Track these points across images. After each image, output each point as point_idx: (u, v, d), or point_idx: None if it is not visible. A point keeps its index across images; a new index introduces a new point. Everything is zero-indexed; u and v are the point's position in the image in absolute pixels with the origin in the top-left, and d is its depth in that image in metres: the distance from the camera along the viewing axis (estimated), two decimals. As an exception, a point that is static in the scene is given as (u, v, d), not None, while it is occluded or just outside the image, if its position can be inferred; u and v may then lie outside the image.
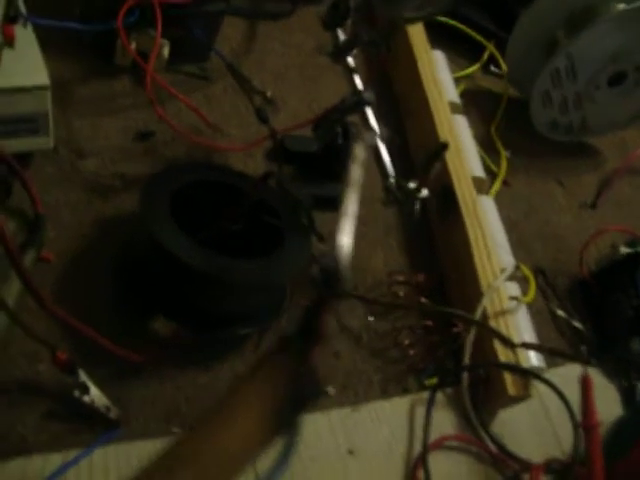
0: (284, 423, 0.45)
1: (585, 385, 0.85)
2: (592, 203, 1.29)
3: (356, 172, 0.52)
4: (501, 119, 1.31)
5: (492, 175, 1.21)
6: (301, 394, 0.46)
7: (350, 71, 0.92)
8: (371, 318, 0.93)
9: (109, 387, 0.74)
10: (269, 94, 1.02)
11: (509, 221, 1.14)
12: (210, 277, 0.75)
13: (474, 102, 1.31)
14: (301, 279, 0.92)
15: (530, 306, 0.99)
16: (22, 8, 0.83)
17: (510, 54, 1.33)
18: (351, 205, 0.50)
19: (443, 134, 1.08)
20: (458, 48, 1.39)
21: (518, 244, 1.12)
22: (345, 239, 0.50)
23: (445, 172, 1.03)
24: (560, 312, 1.07)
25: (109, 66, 1.01)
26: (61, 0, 0.98)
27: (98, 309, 0.79)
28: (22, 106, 0.81)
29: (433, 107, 1.12)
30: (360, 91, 0.90)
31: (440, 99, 1.14)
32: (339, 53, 0.92)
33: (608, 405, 1.00)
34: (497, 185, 1.19)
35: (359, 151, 0.53)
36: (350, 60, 0.92)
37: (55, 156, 0.90)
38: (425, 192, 0.86)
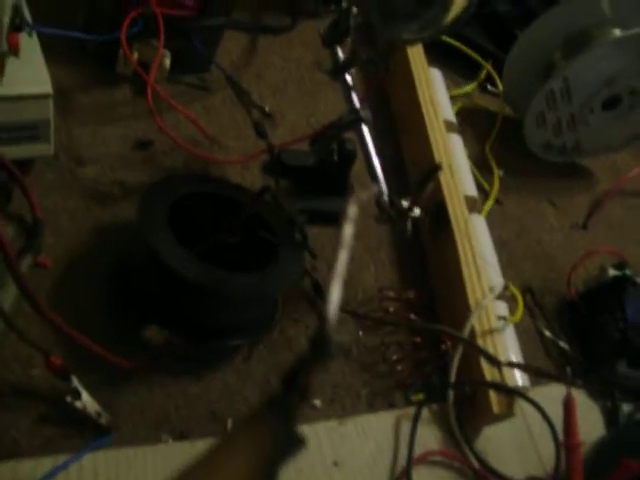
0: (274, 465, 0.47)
1: (568, 406, 0.87)
2: (583, 224, 1.31)
3: (348, 232, 0.52)
4: (496, 138, 1.33)
5: (485, 194, 1.22)
6: (284, 452, 0.48)
7: (348, 88, 0.93)
8: (361, 333, 0.95)
9: (100, 393, 0.75)
10: (267, 109, 1.03)
11: (500, 240, 1.16)
12: (204, 289, 0.77)
13: (470, 120, 1.33)
14: (293, 293, 0.93)
15: (517, 325, 1.00)
16: (27, 17, 0.84)
17: (507, 74, 1.35)
18: (341, 266, 0.50)
19: (438, 153, 1.09)
20: (455, 66, 1.41)
21: (508, 263, 1.13)
22: (333, 301, 0.48)
23: (438, 190, 1.05)
24: (547, 332, 1.08)
25: (111, 75, 1.03)
26: (65, 9, 1.00)
27: (92, 316, 0.81)
28: (25, 114, 0.82)
29: (429, 125, 1.13)
30: (357, 109, 0.91)
31: (436, 118, 1.15)
32: (337, 71, 0.94)
33: (591, 425, 1.02)
34: (489, 204, 1.20)
35: (352, 210, 0.53)
36: (348, 78, 0.93)
37: (55, 163, 0.91)
38: (417, 211, 0.87)
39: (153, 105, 0.93)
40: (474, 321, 0.94)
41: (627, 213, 1.39)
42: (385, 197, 0.89)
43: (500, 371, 0.91)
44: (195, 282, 0.75)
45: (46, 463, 0.70)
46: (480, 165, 1.26)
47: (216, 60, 1.09)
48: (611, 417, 1.04)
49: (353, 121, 0.91)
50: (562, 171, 1.38)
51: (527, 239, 1.22)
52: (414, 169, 1.14)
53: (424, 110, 1.15)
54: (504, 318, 0.96)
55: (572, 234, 1.28)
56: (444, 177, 1.06)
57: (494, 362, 0.91)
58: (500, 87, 1.41)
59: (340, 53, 0.94)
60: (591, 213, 1.34)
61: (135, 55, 0.99)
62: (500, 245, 1.12)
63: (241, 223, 0.85)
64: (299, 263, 0.87)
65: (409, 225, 0.88)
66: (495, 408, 0.88)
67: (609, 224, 1.35)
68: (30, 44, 0.85)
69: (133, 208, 0.82)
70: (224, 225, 0.85)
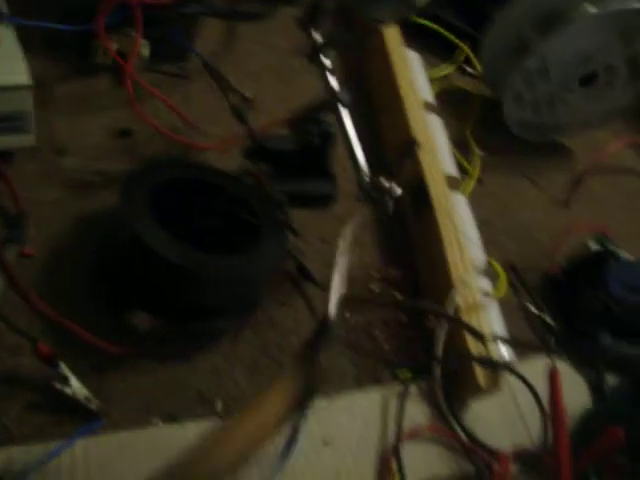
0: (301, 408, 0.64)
1: (553, 376, 0.88)
2: (564, 201, 1.32)
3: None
4: (475, 119, 1.33)
5: (466, 174, 1.23)
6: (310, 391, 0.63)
7: (326, 71, 0.93)
8: (346, 313, 0.95)
9: (89, 379, 0.76)
10: (247, 94, 1.04)
11: (482, 219, 1.16)
12: (188, 272, 0.77)
13: (449, 102, 1.34)
14: (278, 275, 0.94)
15: (501, 301, 1.01)
16: (4, 8, 0.85)
17: (484, 55, 1.35)
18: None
19: (417, 133, 1.10)
20: (433, 48, 1.41)
21: (490, 241, 1.14)
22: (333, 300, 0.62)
23: (419, 170, 1.05)
24: (531, 307, 1.09)
25: (90, 66, 1.03)
26: (42, 0, 1.00)
27: (79, 303, 0.81)
28: (4, 105, 0.83)
29: (407, 106, 1.14)
30: (336, 91, 0.92)
31: (414, 98, 1.16)
32: (315, 54, 0.94)
33: (576, 397, 1.02)
34: (471, 184, 1.21)
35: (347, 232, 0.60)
36: (326, 61, 0.93)
37: (36, 154, 0.92)
38: (398, 190, 0.88)
39: (132, 93, 0.93)
40: (458, 297, 0.95)
41: (608, 189, 1.40)
42: (366, 177, 0.90)
43: (485, 346, 0.92)
44: (179, 264, 0.76)
45: (37, 450, 0.70)
46: (461, 146, 1.26)
47: (195, 48, 1.09)
48: (596, 388, 1.05)
49: (332, 103, 0.92)
50: (542, 149, 1.39)
51: (509, 217, 1.23)
52: (393, 150, 1.15)
53: (402, 91, 1.16)
54: (487, 294, 0.97)
55: (553, 211, 1.29)
56: (424, 156, 1.06)
57: (479, 337, 0.92)
58: (478, 68, 1.41)
59: (317, 36, 0.95)
60: (572, 190, 1.34)
61: (114, 45, 0.99)
62: (482, 224, 1.13)
63: (223, 206, 0.85)
64: (282, 244, 0.88)
65: (390, 203, 0.88)
66: (481, 382, 0.89)
67: (590, 201, 1.36)
68: (7, 36, 0.85)
69: (115, 197, 0.83)
70: (206, 209, 0.85)
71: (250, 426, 0.61)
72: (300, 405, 0.63)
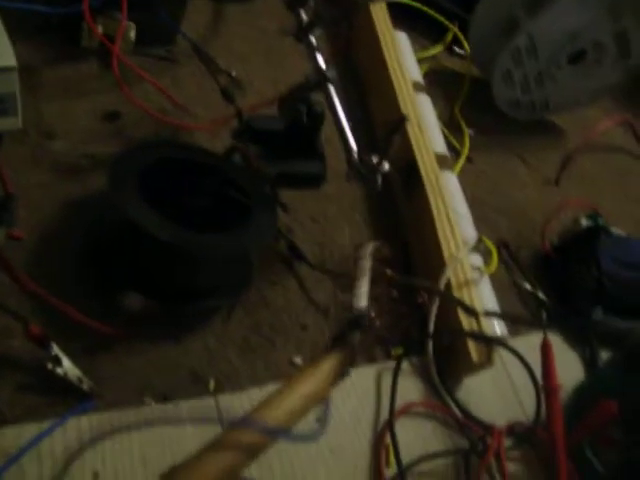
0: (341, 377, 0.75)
1: (545, 349, 0.88)
2: (555, 179, 1.32)
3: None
4: (465, 99, 1.33)
5: (456, 153, 1.23)
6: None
7: (313, 50, 0.93)
8: (338, 292, 0.95)
9: (81, 361, 0.75)
10: (234, 73, 1.03)
11: (473, 197, 1.16)
12: (179, 250, 0.77)
13: (438, 82, 1.34)
14: (269, 255, 0.94)
15: (494, 279, 1.02)
16: (-13, -9, 0.84)
17: (472, 35, 1.36)
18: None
19: (406, 112, 1.10)
20: (421, 29, 1.41)
21: (482, 219, 1.15)
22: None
23: (409, 148, 1.05)
24: (523, 283, 1.10)
25: (76, 50, 1.02)
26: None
27: (69, 285, 0.81)
28: (-10, 88, 0.82)
29: (396, 86, 1.14)
30: (323, 69, 0.92)
31: (403, 78, 1.16)
32: (302, 33, 0.94)
33: (571, 372, 1.03)
34: (461, 162, 1.21)
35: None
36: (313, 39, 0.93)
37: (24, 138, 0.91)
38: (386, 166, 0.88)
39: (120, 76, 0.93)
40: (449, 273, 0.95)
41: (598, 167, 1.41)
42: (354, 154, 0.90)
43: (478, 321, 0.92)
44: (170, 243, 0.76)
45: (30, 429, 0.70)
46: (450, 125, 1.27)
47: (182, 30, 1.09)
48: (590, 363, 1.06)
49: (319, 81, 0.91)
50: (532, 128, 1.39)
51: (500, 196, 1.23)
52: (383, 128, 1.15)
53: (391, 71, 1.16)
54: (479, 269, 0.97)
55: (544, 190, 1.29)
56: (414, 135, 1.07)
57: (471, 312, 0.92)
58: (467, 49, 1.41)
59: (304, 15, 0.95)
60: (562, 168, 1.35)
61: (100, 28, 0.99)
62: (473, 202, 1.13)
63: (212, 186, 0.85)
64: (272, 221, 0.88)
65: (379, 179, 0.88)
66: (474, 357, 0.89)
67: (581, 179, 1.36)
68: (-9, 19, 0.85)
69: (104, 179, 0.82)
70: (195, 189, 0.85)
71: (309, 385, 0.72)
72: (341, 375, 0.74)
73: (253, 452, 0.67)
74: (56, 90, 0.99)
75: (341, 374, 0.75)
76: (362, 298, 0.78)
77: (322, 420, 0.75)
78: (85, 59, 1.03)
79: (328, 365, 0.74)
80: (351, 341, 0.76)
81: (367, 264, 0.82)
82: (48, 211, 0.87)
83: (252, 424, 0.66)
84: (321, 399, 0.74)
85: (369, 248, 0.84)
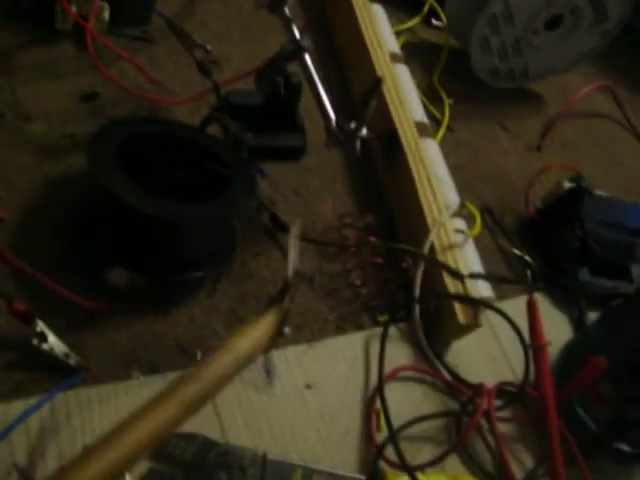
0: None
1: (531, 307, 0.88)
2: (537, 146, 1.32)
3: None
4: (443, 69, 1.33)
5: (436, 122, 1.23)
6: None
7: (287, 20, 0.93)
8: (323, 261, 0.95)
9: (67, 336, 0.75)
10: (209, 47, 1.03)
11: (455, 166, 1.16)
12: (160, 220, 0.77)
13: (415, 54, 1.34)
14: (252, 227, 0.94)
15: (478, 244, 1.02)
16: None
17: (449, 4, 1.35)
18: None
19: (385, 83, 1.10)
20: (398, 3, 1.41)
21: (465, 187, 1.15)
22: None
23: (388, 117, 1.05)
24: (508, 247, 1.10)
25: (50, 32, 1.02)
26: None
27: (53, 264, 0.80)
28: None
29: (373, 57, 1.14)
30: (297, 39, 0.91)
31: (380, 49, 1.16)
32: (275, 4, 0.94)
33: (559, 333, 1.04)
34: (441, 132, 1.21)
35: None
36: (287, 10, 0.93)
37: (2, 121, 0.91)
38: (365, 131, 0.88)
39: (95, 54, 0.93)
40: (433, 237, 0.95)
41: (579, 133, 1.41)
42: (332, 121, 0.90)
43: (463, 284, 0.92)
44: (151, 215, 0.75)
45: (17, 406, 0.70)
46: (429, 95, 1.27)
47: (156, 8, 1.08)
48: (578, 324, 1.06)
49: (295, 51, 0.91)
50: (512, 96, 1.39)
51: (482, 163, 1.23)
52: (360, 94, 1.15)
53: (368, 42, 1.16)
54: (462, 232, 0.97)
55: (526, 156, 1.30)
56: (392, 103, 1.07)
57: (456, 275, 0.92)
58: (444, 20, 1.41)
59: (276, -14, 0.94)
60: (544, 135, 1.35)
61: (73, 9, 0.98)
62: (455, 170, 1.13)
63: (191, 158, 0.85)
64: (253, 191, 0.87)
65: (358, 145, 0.88)
66: (460, 318, 0.89)
67: (562, 145, 1.37)
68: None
69: (84, 158, 0.82)
70: (174, 162, 0.85)
71: (249, 340, 0.73)
72: (278, 333, 0.75)
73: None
74: (31, 73, 0.98)
75: (277, 334, 0.77)
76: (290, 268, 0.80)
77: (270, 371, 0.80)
78: (60, 42, 1.03)
79: (266, 322, 0.76)
80: (284, 302, 0.78)
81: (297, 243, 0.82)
82: (29, 191, 0.86)
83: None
84: (259, 355, 0.76)
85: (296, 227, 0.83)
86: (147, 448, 0.64)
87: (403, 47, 1.28)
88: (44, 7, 1.00)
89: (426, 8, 1.42)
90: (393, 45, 1.21)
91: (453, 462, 0.85)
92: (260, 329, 0.75)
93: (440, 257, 0.94)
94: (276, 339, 0.77)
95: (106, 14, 1.02)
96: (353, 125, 0.87)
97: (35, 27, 1.02)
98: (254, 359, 0.75)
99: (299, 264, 0.81)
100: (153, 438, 0.64)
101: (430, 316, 0.93)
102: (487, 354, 0.97)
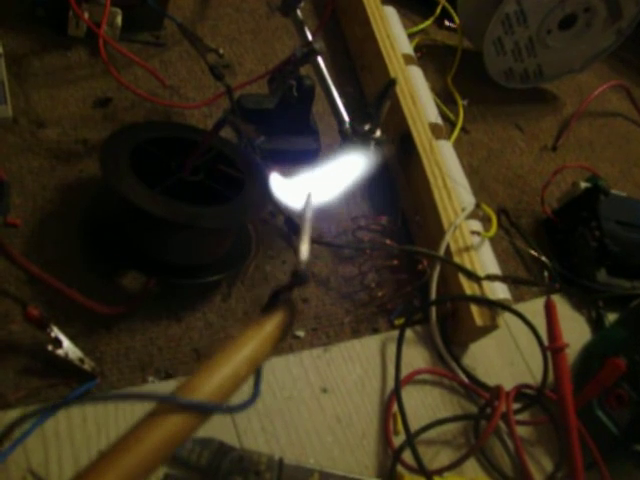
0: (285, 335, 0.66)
1: (549, 309, 0.87)
2: (552, 146, 1.32)
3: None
4: (457, 70, 1.33)
5: (451, 124, 1.23)
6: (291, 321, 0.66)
7: (299, 23, 0.93)
8: (337, 264, 0.95)
9: (82, 342, 0.75)
10: (222, 51, 1.02)
11: (470, 167, 1.16)
12: (174, 224, 0.76)
13: (429, 55, 1.34)
14: (267, 230, 0.94)
15: (495, 246, 1.01)
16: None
17: (461, 5, 1.35)
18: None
19: (399, 84, 1.09)
20: (410, 6, 1.41)
21: (480, 188, 1.14)
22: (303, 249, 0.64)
23: (402, 119, 1.05)
24: (525, 248, 1.09)
25: (63, 39, 1.02)
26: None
27: (68, 269, 0.80)
28: (-24, 75, 0.82)
29: (387, 59, 1.13)
30: (310, 42, 0.91)
31: (393, 51, 1.15)
32: (287, 6, 0.94)
33: (577, 335, 1.03)
34: (456, 133, 1.21)
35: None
36: (299, 12, 0.93)
37: (15, 127, 0.91)
38: (379, 132, 0.87)
39: (107, 59, 0.93)
40: (449, 239, 0.94)
41: (595, 132, 1.40)
42: (346, 125, 0.90)
43: (480, 286, 0.92)
44: (165, 217, 0.75)
45: (33, 411, 0.70)
46: (443, 97, 1.26)
47: (169, 13, 1.08)
48: (596, 325, 1.05)
49: (308, 54, 0.91)
50: (527, 96, 1.38)
51: (497, 164, 1.22)
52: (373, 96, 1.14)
53: (381, 45, 1.15)
54: (478, 233, 0.97)
55: (542, 156, 1.29)
56: (407, 106, 1.06)
57: (473, 277, 0.91)
58: (457, 21, 1.40)
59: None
60: (559, 135, 1.34)
61: (86, 15, 0.98)
62: (471, 171, 1.13)
63: (202, 160, 0.84)
64: (266, 193, 0.87)
65: (371, 146, 0.88)
66: (478, 321, 0.88)
67: (578, 144, 1.36)
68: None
69: (97, 163, 0.82)
70: (185, 164, 0.84)
71: (255, 342, 0.66)
72: (285, 333, 0.67)
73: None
74: (45, 79, 0.98)
75: (284, 333, 0.70)
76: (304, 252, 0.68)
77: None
78: (73, 48, 1.03)
79: (271, 323, 0.68)
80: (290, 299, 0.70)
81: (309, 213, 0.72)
82: (43, 197, 0.86)
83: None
84: (267, 357, 0.68)
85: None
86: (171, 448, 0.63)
87: (416, 49, 1.28)
88: (57, 14, 1.00)
89: (439, 9, 1.41)
90: (406, 47, 1.21)
91: (471, 466, 0.85)
92: (265, 332, 0.67)
93: (456, 259, 0.93)
94: (284, 339, 0.73)
95: (119, 20, 1.02)
96: (367, 127, 0.87)
97: (48, 33, 1.02)
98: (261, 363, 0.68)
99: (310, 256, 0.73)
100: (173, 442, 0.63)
101: (447, 318, 0.93)
102: (505, 356, 0.96)
